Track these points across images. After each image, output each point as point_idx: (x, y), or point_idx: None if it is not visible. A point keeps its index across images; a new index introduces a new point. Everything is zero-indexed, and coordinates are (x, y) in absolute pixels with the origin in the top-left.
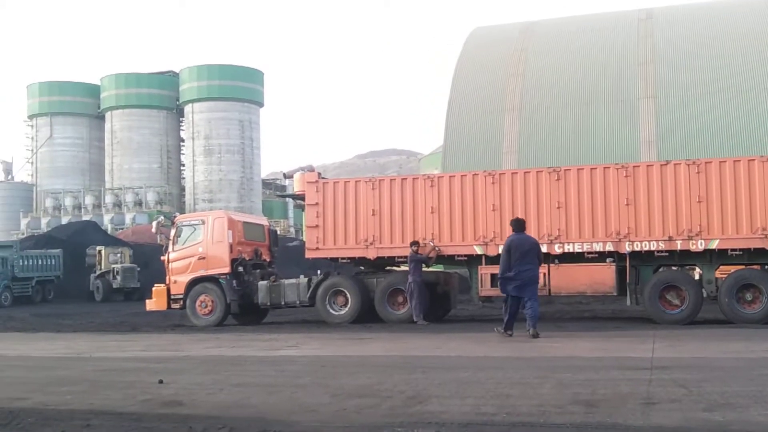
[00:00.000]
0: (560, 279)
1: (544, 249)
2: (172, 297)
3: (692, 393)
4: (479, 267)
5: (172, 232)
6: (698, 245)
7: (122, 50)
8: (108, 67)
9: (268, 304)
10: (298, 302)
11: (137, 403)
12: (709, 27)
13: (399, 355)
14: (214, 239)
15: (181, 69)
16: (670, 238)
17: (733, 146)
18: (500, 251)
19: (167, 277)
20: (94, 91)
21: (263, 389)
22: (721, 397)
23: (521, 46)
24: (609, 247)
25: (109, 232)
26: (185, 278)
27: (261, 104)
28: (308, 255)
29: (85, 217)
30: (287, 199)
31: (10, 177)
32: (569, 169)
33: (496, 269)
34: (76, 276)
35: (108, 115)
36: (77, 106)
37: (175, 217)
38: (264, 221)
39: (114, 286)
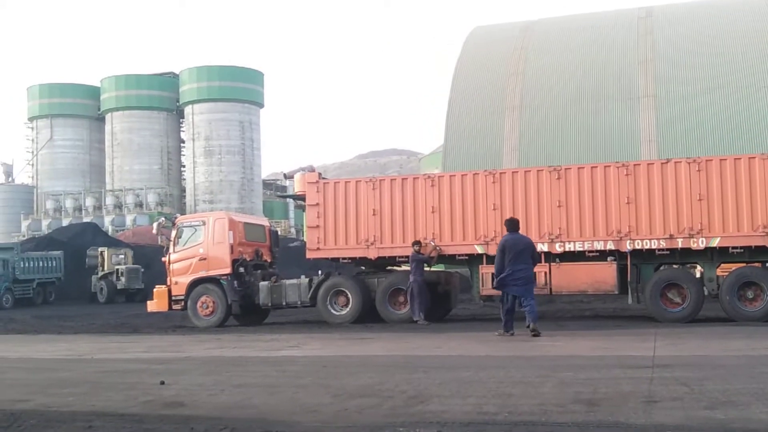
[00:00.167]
0: (561, 278)
1: (545, 248)
2: (173, 298)
3: (694, 391)
4: (480, 266)
5: (173, 233)
6: (699, 243)
7: (122, 52)
8: (108, 69)
9: (269, 304)
10: (299, 303)
11: (139, 405)
12: (708, 25)
13: (400, 355)
14: (215, 240)
15: (181, 70)
16: (671, 237)
17: (734, 144)
18: None
19: (168, 278)
20: (94, 92)
21: (264, 390)
22: (723, 395)
23: (521, 45)
24: (610, 246)
25: (109, 233)
26: (186, 279)
27: (261, 105)
28: (309, 255)
29: (86, 219)
30: (288, 199)
31: (10, 179)
32: (570, 168)
33: None
34: (77, 278)
35: (108, 116)
36: (77, 107)
37: (175, 218)
38: (265, 222)
39: (118, 287)
